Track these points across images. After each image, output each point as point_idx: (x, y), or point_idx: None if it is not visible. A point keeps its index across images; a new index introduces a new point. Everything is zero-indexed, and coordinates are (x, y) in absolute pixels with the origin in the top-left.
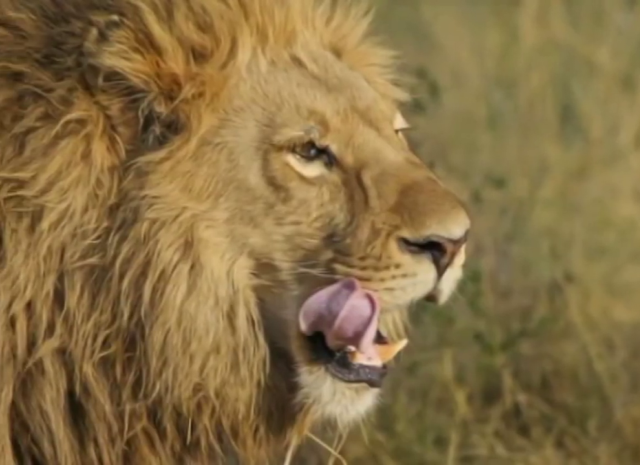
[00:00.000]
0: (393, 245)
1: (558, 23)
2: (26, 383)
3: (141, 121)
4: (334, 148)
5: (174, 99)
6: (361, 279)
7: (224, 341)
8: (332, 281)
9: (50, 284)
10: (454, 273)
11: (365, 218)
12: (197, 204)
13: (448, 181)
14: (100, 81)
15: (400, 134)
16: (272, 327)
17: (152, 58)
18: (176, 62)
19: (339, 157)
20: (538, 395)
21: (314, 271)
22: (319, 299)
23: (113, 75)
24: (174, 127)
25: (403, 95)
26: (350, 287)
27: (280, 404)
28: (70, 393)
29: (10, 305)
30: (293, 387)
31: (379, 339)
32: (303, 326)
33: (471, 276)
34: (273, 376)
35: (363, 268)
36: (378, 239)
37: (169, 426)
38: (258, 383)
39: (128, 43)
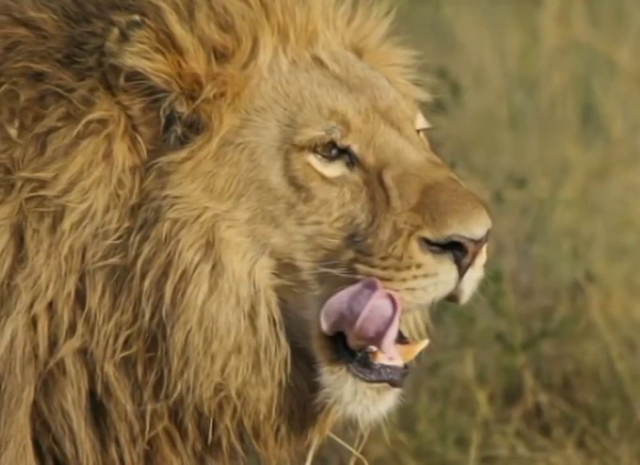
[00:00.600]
0: (414, 245)
1: (579, 23)
2: (48, 383)
3: (163, 121)
4: (355, 148)
5: (195, 99)
6: (382, 279)
7: (245, 341)
8: (353, 281)
9: (71, 284)
10: (475, 273)
11: (387, 218)
12: (218, 204)
13: (470, 181)
14: (121, 81)
15: (421, 133)
16: (293, 327)
17: (173, 58)
18: (197, 62)
19: (360, 157)
20: (559, 395)
21: (335, 271)
22: (340, 299)
23: (134, 75)
24: (195, 127)
25: (425, 95)
26: (372, 287)
27: (301, 404)
28: (92, 393)
29: (31, 305)
30: (315, 387)
31: (401, 339)
32: (324, 326)
33: (492, 276)
34: (294, 376)
35: (385, 268)
36: (399, 239)
37: (190, 426)
38: (280, 383)
39: (150, 43)
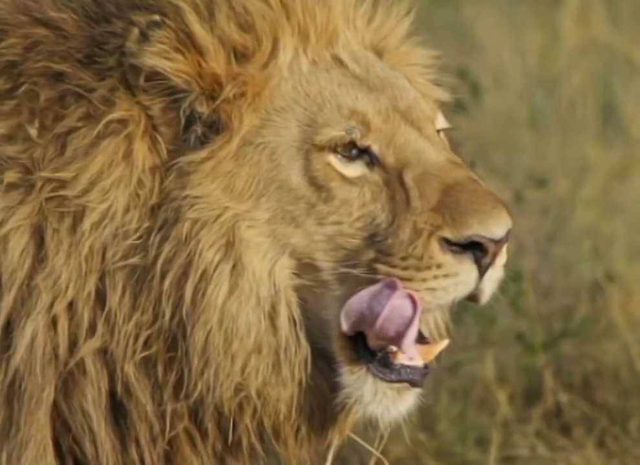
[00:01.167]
0: (435, 245)
1: (599, 23)
2: (68, 383)
3: (183, 121)
4: (375, 148)
5: (215, 99)
6: (402, 279)
7: (265, 341)
8: (374, 281)
9: (91, 284)
10: (495, 273)
11: (407, 218)
12: (239, 204)
13: (490, 181)
14: (142, 80)
15: (441, 133)
16: (313, 327)
17: (193, 58)
18: (217, 62)
19: (380, 157)
20: (579, 395)
21: (355, 271)
22: (360, 299)
23: (154, 75)
24: (215, 127)
25: (445, 95)
26: (392, 287)
27: (321, 404)
28: (112, 393)
29: (51, 305)
30: (335, 387)
31: (421, 339)
32: (344, 326)
33: (513, 276)
34: (314, 376)
35: (405, 268)
36: (420, 239)
37: (210, 426)
38: (300, 383)
39: (170, 43)
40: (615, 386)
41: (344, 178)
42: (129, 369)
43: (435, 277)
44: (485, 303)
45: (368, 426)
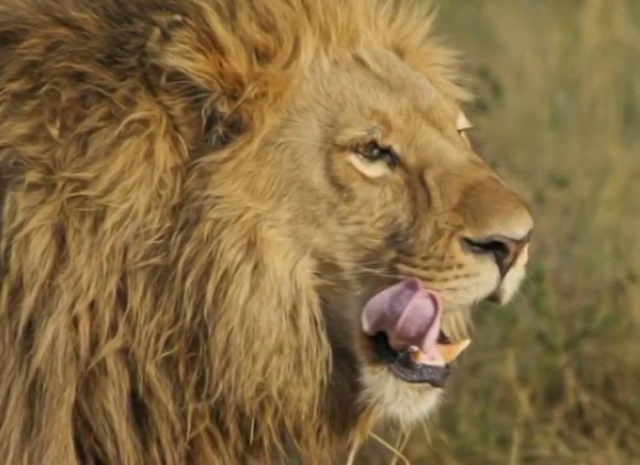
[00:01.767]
0: (456, 245)
1: (621, 23)
2: (89, 383)
3: (204, 121)
4: (397, 148)
5: (237, 99)
6: (423, 279)
7: (286, 341)
8: (395, 281)
9: (112, 284)
10: (516, 273)
11: (428, 218)
12: (260, 204)
13: (511, 182)
14: (163, 80)
15: (463, 134)
16: (335, 327)
17: (215, 58)
18: (239, 62)
19: (401, 157)
20: (600, 395)
21: (377, 271)
22: (381, 299)
23: (176, 75)
24: (236, 127)
25: (466, 95)
26: (413, 287)
27: (343, 404)
28: (133, 393)
29: (73, 305)
30: (356, 387)
31: (442, 339)
32: (366, 326)
33: (534, 276)
34: (335, 376)
35: (426, 268)
36: (441, 239)
37: (231, 426)
38: (321, 383)
39: (191, 43)
40: (637, 386)
41: (365, 178)
42: (150, 369)
43: (456, 277)
44: (506, 303)
45: (390, 426)
